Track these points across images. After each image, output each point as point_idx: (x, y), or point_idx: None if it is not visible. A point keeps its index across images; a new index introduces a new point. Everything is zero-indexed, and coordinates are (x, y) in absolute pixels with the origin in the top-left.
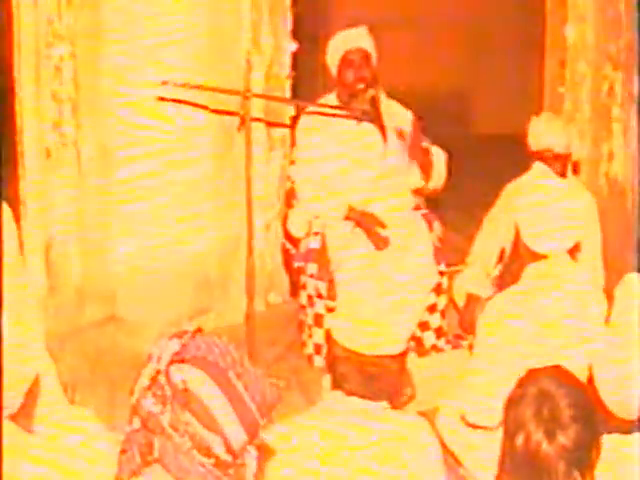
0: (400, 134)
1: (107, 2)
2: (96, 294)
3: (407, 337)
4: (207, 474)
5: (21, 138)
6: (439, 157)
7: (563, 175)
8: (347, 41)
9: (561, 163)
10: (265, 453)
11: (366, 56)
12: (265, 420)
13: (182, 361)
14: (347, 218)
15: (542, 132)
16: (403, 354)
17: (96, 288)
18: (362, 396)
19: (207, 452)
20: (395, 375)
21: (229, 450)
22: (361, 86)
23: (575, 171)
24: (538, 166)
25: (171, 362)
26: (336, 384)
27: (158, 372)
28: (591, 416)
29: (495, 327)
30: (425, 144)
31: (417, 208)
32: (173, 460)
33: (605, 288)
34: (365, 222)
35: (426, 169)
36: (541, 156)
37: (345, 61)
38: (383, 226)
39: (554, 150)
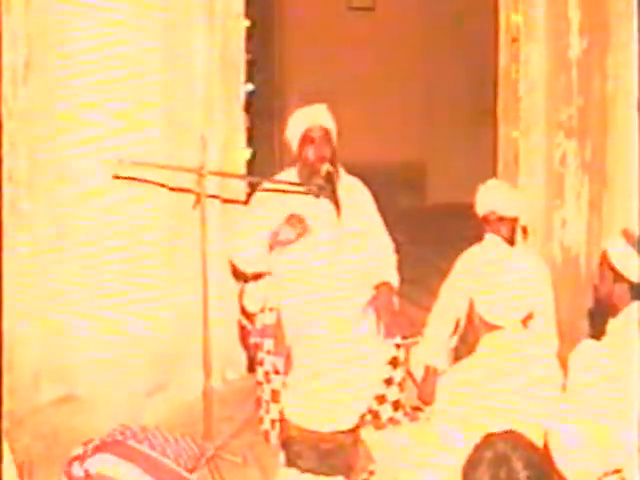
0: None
1: (60, 82)
2: (53, 373)
3: (361, 411)
4: None
5: None
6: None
7: (512, 239)
8: (308, 118)
9: (508, 227)
10: None
11: (327, 134)
12: (195, 473)
13: (83, 458)
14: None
15: (486, 196)
16: (356, 427)
17: (53, 367)
18: (317, 473)
19: None
20: (349, 449)
21: None
22: (325, 166)
23: (524, 235)
24: (490, 237)
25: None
26: (290, 462)
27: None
28: (546, 475)
29: (452, 398)
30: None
31: None
32: None
33: (559, 355)
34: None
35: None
36: (487, 220)
37: (306, 138)
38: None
39: (497, 212)
